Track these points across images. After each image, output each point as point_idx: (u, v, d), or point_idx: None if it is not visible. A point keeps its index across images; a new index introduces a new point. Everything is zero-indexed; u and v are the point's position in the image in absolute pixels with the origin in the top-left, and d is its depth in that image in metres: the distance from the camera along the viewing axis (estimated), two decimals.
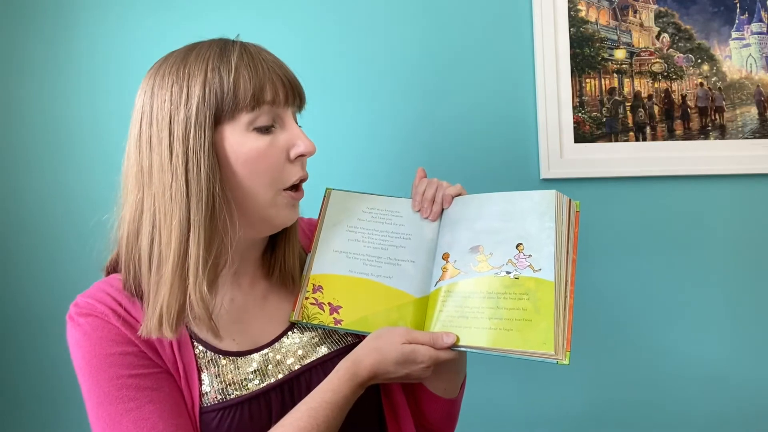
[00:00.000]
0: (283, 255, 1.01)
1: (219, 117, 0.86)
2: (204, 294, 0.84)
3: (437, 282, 0.97)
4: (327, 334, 1.01)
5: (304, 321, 0.98)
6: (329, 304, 0.99)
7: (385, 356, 0.89)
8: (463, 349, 0.91)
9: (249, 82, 0.86)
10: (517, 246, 0.93)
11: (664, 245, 1.60)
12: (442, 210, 1.04)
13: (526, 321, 0.87)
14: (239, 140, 0.87)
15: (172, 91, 0.86)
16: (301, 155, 0.92)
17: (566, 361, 0.85)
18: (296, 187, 0.94)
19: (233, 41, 0.91)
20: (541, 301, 0.88)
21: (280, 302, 1.01)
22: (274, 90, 0.89)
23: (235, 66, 0.86)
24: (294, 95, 0.92)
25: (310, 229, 1.11)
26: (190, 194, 0.83)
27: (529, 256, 0.91)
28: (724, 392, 1.59)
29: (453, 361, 0.94)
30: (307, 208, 1.10)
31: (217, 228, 0.86)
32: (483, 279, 0.93)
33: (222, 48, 0.89)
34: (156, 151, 0.85)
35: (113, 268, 0.96)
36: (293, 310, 1.00)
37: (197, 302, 0.84)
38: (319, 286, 1.00)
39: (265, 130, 0.89)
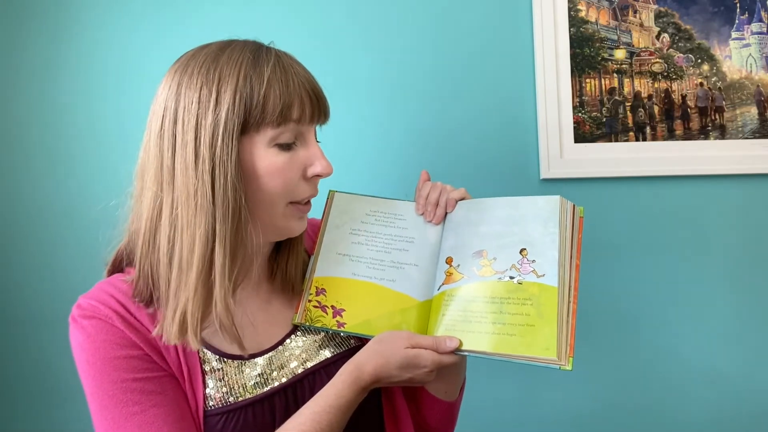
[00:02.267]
0: (286, 262, 1.01)
1: (245, 127, 0.85)
2: (230, 304, 0.84)
3: (440, 286, 0.98)
4: (330, 337, 1.01)
5: (307, 324, 0.98)
6: (332, 307, 0.99)
7: (388, 360, 0.89)
8: (466, 353, 0.91)
9: (279, 98, 0.85)
10: (521, 251, 0.93)
11: (664, 245, 1.60)
12: (446, 213, 1.04)
13: (529, 326, 0.88)
14: (260, 153, 0.86)
15: (200, 93, 0.84)
16: (317, 175, 0.92)
17: (569, 367, 0.85)
18: (305, 202, 0.94)
19: (267, 48, 0.90)
20: (545, 307, 0.88)
21: (282, 306, 1.01)
22: (302, 108, 0.88)
23: (268, 79, 0.85)
24: (320, 113, 0.92)
25: (314, 230, 1.11)
26: (215, 203, 0.83)
27: (533, 261, 0.92)
28: (726, 394, 1.60)
29: (454, 364, 0.94)
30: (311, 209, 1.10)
31: (243, 238, 0.85)
32: (486, 284, 0.93)
33: (255, 55, 0.87)
34: (180, 153, 0.84)
35: (119, 263, 0.94)
36: (296, 313, 1.00)
37: (223, 312, 0.84)
38: (322, 288, 1.00)
39: (286, 146, 0.88)
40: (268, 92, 0.85)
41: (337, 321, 0.98)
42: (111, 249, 0.95)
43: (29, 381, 1.54)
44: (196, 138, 0.83)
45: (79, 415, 0.86)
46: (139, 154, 0.90)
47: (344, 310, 0.99)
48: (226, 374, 0.90)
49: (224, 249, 0.83)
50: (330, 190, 1.08)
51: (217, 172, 0.83)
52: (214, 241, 0.83)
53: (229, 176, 0.83)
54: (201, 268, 0.83)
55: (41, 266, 1.55)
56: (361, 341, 1.01)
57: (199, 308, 0.83)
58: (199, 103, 0.84)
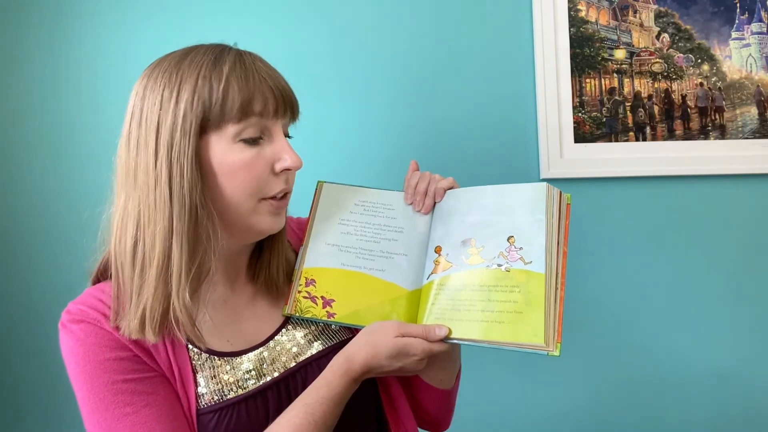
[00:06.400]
0: (268, 262, 1.01)
1: (205, 126, 0.85)
2: (186, 302, 0.84)
3: (429, 275, 0.97)
4: (321, 330, 1.01)
5: (297, 314, 0.98)
6: (322, 297, 0.99)
7: (378, 350, 0.89)
8: (455, 341, 0.91)
9: (238, 93, 0.85)
10: (509, 239, 0.93)
11: (664, 245, 1.60)
12: (435, 203, 1.04)
13: (517, 313, 0.88)
14: (225, 150, 0.86)
15: (162, 95, 0.85)
16: (286, 169, 0.91)
17: (557, 353, 0.85)
18: (280, 197, 0.93)
19: (230, 48, 0.91)
20: (532, 294, 0.88)
21: (269, 305, 1.01)
22: (264, 102, 0.88)
23: (227, 76, 0.86)
24: (285, 108, 0.91)
25: (300, 228, 1.11)
26: (172, 201, 0.83)
27: (520, 248, 0.91)
28: (723, 392, 1.59)
29: (447, 352, 0.94)
30: (300, 203, 1.10)
31: (200, 237, 0.86)
32: (475, 272, 0.93)
33: (217, 56, 0.88)
34: (142, 154, 0.85)
35: (102, 272, 0.95)
36: (286, 304, 1.00)
37: (180, 309, 0.84)
38: (311, 279, 1.00)
39: (252, 141, 0.88)
40: (227, 89, 0.85)
41: (327, 311, 0.98)
42: (94, 260, 0.95)
43: (35, 381, 1.56)
44: (157, 138, 0.85)
45: (80, 419, 0.87)
46: (115, 161, 0.91)
47: (334, 301, 0.99)
48: (217, 372, 0.90)
49: (181, 246, 0.84)
50: (318, 181, 1.08)
51: (173, 170, 0.84)
52: (171, 239, 0.84)
53: (186, 174, 0.84)
54: (160, 265, 0.84)
55: (44, 266, 1.56)
56: (352, 333, 1.01)
57: (160, 304, 0.84)
58: (161, 105, 0.85)
